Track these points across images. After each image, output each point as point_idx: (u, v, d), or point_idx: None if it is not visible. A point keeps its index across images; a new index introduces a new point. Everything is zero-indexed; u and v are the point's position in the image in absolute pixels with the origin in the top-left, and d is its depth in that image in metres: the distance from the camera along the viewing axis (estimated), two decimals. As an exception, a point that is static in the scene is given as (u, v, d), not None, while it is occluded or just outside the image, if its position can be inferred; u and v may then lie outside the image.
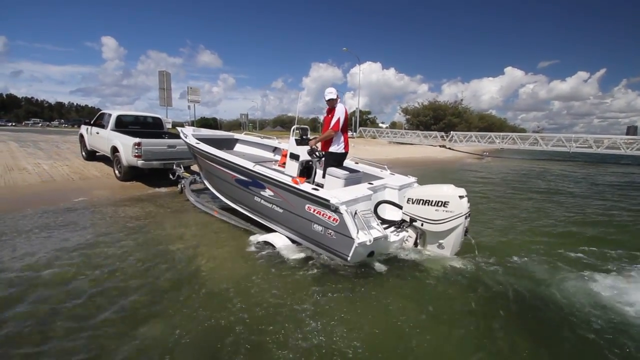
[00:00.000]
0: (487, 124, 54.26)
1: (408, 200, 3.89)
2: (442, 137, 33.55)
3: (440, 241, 3.77)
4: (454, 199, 3.55)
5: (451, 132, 34.11)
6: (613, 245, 4.75)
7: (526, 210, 7.25)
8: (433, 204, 3.65)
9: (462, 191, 3.61)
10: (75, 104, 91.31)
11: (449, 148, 31.26)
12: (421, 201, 3.74)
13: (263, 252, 4.03)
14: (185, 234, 4.71)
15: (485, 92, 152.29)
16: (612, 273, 3.77)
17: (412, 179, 4.87)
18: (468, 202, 3.62)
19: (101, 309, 2.76)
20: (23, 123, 56.05)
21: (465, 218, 3.59)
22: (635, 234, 5.58)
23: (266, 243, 4.17)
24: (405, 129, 44.81)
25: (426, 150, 27.69)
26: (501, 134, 30.84)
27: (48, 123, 58.14)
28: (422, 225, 3.78)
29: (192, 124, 21.33)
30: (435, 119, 44.82)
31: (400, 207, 4.05)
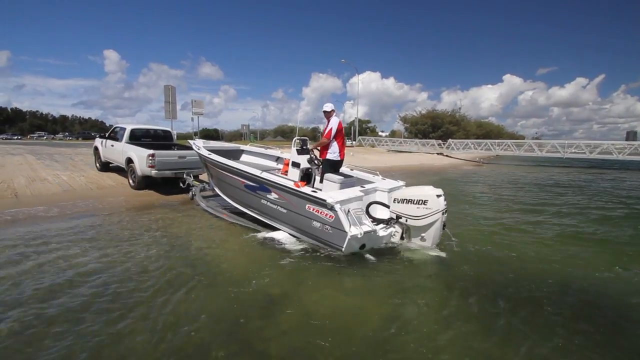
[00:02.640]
0: (485, 131, 55.06)
1: (394, 200, 4.52)
2: (439, 144, 34.29)
3: (422, 234, 4.38)
4: (432, 198, 4.18)
5: (449, 139, 34.87)
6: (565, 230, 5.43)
7: (501, 207, 7.91)
8: (415, 202, 4.26)
9: (439, 191, 4.23)
10: (79, 116, 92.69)
11: (446, 155, 31.93)
12: (405, 200, 4.36)
13: (269, 246, 4.64)
14: (199, 233, 5.32)
15: (484, 99, 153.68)
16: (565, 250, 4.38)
17: (401, 182, 5.49)
18: (445, 200, 4.23)
19: (131, 291, 3.36)
20: (28, 136, 57.12)
21: (443, 214, 4.20)
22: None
23: (271, 239, 4.78)
24: (404, 137, 45.64)
25: (424, 158, 28.36)
26: (497, 141, 31.56)
27: (53, 136, 59.17)
28: (406, 221, 4.39)
29: (195, 134, 22.18)
30: (434, 127, 45.68)
31: (388, 207, 4.67)
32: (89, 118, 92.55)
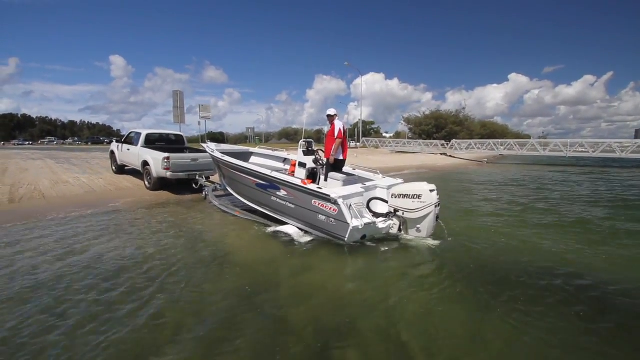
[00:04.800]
0: (490, 131, 55.02)
1: (392, 195, 4.98)
2: (442, 145, 34.58)
3: (418, 226, 4.83)
4: (426, 192, 4.63)
5: (452, 140, 35.15)
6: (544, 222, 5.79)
7: (490, 202, 8.31)
8: (410, 197, 4.72)
9: (432, 186, 4.69)
10: (87, 122, 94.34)
11: (450, 156, 32.23)
12: (401, 195, 4.82)
13: (279, 239, 5.14)
14: (214, 227, 5.83)
15: (490, 99, 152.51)
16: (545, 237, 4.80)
17: (399, 180, 5.93)
18: (437, 195, 4.68)
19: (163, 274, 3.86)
20: (39, 142, 58.38)
21: (436, 207, 4.65)
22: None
23: (281, 232, 5.26)
24: (408, 138, 45.98)
25: (427, 158, 28.70)
26: (500, 140, 31.79)
27: (63, 141, 60.41)
28: (403, 214, 4.84)
29: (205, 137, 22.90)
30: (437, 128, 45.94)
31: (387, 202, 5.12)
32: (97, 123, 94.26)
